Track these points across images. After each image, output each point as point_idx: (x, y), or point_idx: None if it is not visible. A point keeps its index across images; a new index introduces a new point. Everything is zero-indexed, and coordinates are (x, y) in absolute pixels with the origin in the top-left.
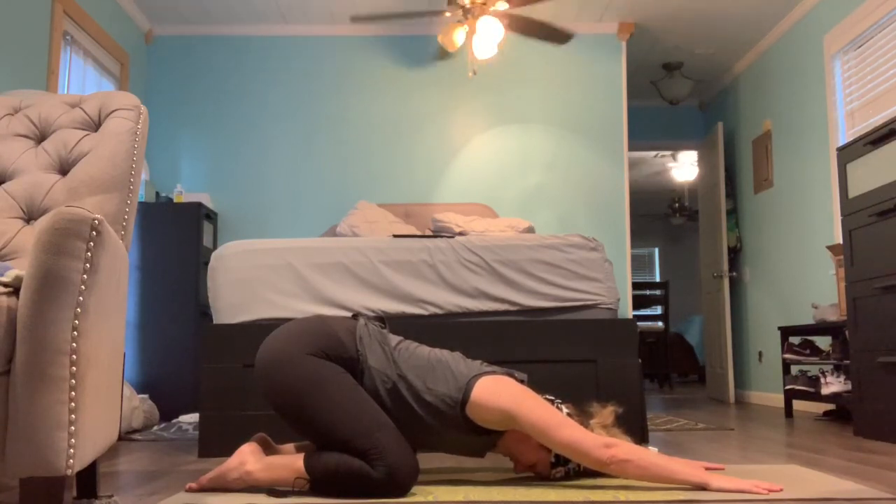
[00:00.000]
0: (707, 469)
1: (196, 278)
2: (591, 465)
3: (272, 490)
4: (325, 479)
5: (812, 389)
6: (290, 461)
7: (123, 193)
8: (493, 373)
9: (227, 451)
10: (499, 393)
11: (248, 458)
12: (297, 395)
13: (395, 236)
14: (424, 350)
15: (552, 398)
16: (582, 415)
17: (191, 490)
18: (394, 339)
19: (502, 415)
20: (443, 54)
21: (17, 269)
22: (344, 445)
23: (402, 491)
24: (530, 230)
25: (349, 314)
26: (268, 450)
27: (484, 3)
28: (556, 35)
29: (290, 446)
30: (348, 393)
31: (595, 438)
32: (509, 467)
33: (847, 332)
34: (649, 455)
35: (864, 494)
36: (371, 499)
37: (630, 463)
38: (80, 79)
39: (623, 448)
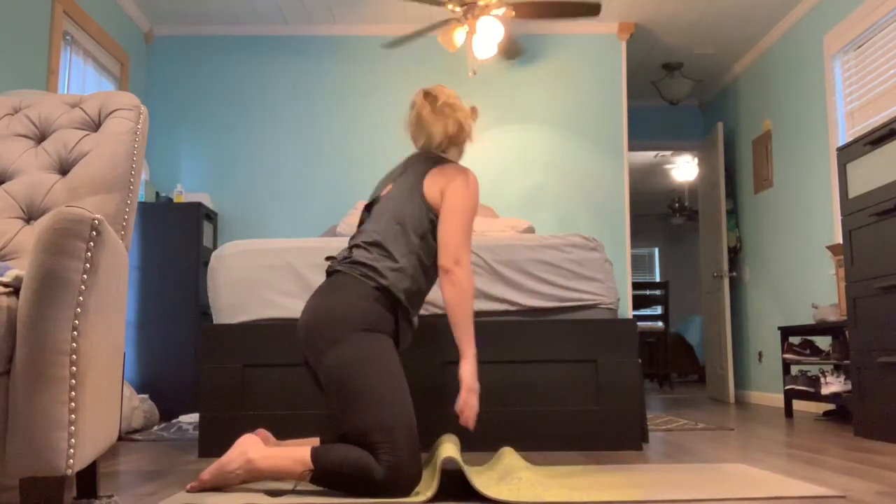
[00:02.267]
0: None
1: (196, 278)
2: (439, 260)
3: (270, 491)
4: (328, 472)
5: (812, 389)
6: (293, 452)
7: (123, 193)
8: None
9: (227, 451)
10: (443, 173)
11: (248, 448)
12: (342, 378)
13: None
14: (379, 216)
15: None
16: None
17: (192, 490)
18: (358, 240)
19: (441, 192)
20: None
21: (17, 269)
22: (360, 431)
23: (403, 493)
24: (530, 230)
25: None
26: (268, 444)
27: (486, 5)
28: (583, 9)
29: (291, 442)
30: (389, 381)
31: (456, 252)
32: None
33: (847, 332)
34: (462, 307)
35: (813, 493)
36: (370, 498)
37: (450, 289)
38: (80, 79)
39: (457, 278)
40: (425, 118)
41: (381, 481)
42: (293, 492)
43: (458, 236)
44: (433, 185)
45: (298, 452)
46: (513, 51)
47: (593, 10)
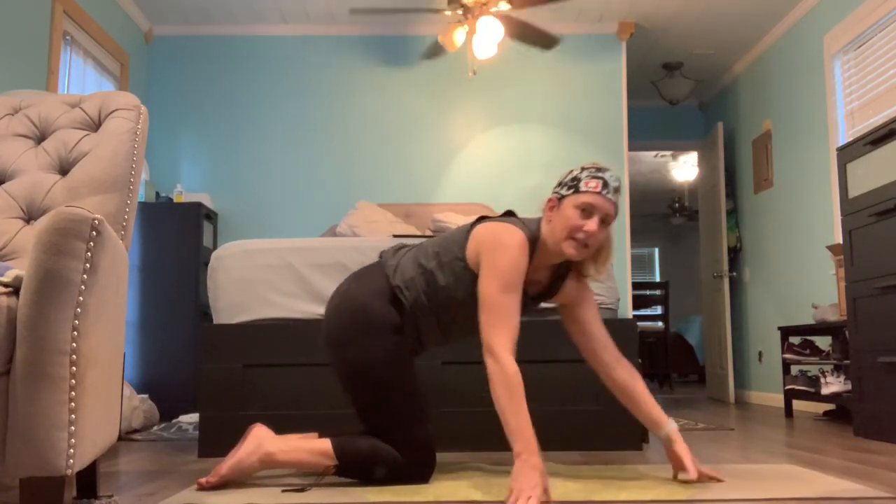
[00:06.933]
0: (709, 477)
1: (196, 278)
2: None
3: (289, 487)
4: (354, 464)
5: (812, 389)
6: (312, 445)
7: (123, 193)
8: (490, 219)
9: (228, 451)
10: (482, 240)
11: (264, 441)
12: (357, 376)
13: (395, 236)
14: (432, 240)
15: None
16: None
17: (209, 483)
18: (411, 247)
19: (479, 259)
20: (437, 52)
21: (17, 269)
22: (382, 430)
23: (424, 480)
24: None
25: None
26: None
27: (485, 4)
28: (542, 40)
29: (292, 437)
30: (402, 383)
31: (495, 341)
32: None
33: (847, 332)
34: (497, 400)
35: (864, 494)
36: (393, 485)
37: (490, 382)
38: (80, 79)
39: (489, 368)
40: None
41: (404, 470)
42: (315, 485)
43: (483, 317)
44: (473, 246)
45: (317, 445)
46: (549, 41)
47: (551, 44)
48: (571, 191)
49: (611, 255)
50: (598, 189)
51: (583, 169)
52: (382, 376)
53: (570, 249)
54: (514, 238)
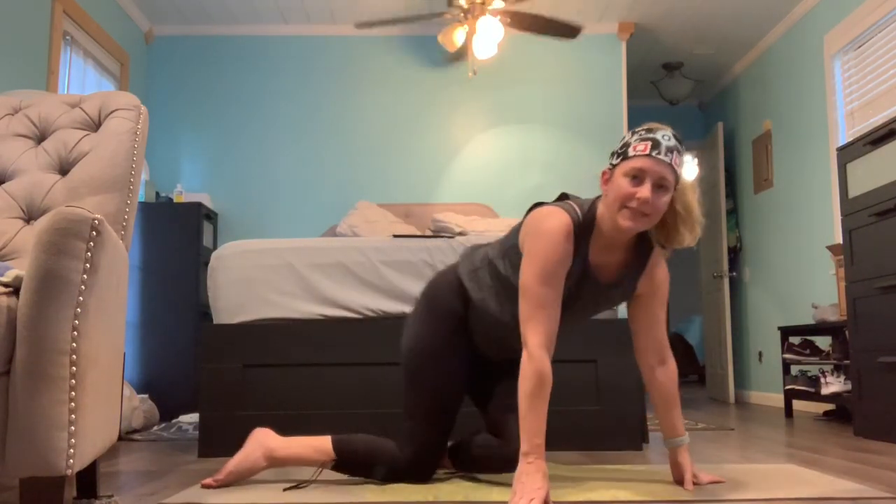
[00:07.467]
0: (709, 482)
1: (196, 278)
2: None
3: (290, 484)
4: (351, 460)
5: (812, 389)
6: (311, 441)
7: (123, 193)
8: (545, 204)
9: (227, 451)
10: (527, 226)
11: (265, 439)
12: (404, 356)
13: (395, 236)
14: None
15: None
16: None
17: (217, 482)
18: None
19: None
20: (450, 56)
21: (17, 269)
22: (405, 412)
23: (423, 480)
24: None
25: (351, 314)
26: None
27: (483, 3)
28: (563, 30)
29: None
30: (438, 375)
31: (529, 336)
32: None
33: (847, 332)
34: (520, 394)
35: (864, 494)
36: (394, 483)
37: (520, 376)
38: (80, 79)
39: (525, 363)
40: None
41: (403, 469)
42: (314, 481)
43: (521, 308)
44: (523, 233)
45: (317, 441)
46: (571, 31)
47: (574, 33)
48: (620, 158)
49: (696, 207)
50: (647, 151)
51: (633, 132)
52: (421, 364)
53: (624, 221)
54: (553, 222)
